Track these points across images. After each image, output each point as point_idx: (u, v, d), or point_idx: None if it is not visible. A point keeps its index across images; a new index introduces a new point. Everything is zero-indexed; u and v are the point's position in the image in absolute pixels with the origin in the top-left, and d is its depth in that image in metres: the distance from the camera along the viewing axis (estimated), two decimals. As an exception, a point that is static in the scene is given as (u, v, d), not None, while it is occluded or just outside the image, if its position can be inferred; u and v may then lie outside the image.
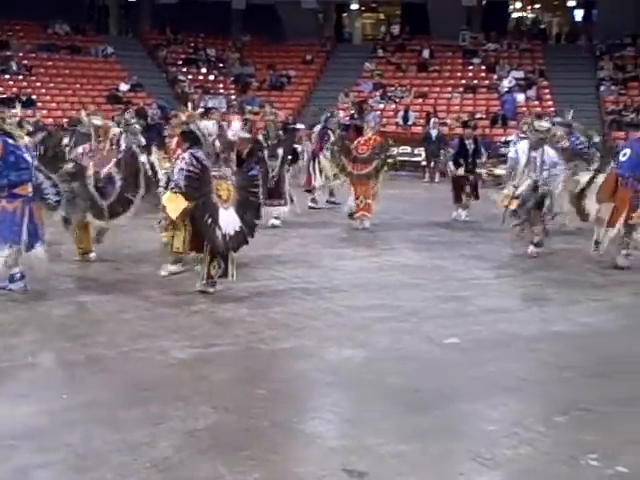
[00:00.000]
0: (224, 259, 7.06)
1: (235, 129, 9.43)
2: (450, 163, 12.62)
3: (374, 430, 4.25)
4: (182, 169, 7.02)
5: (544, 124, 9.71)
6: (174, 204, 7.10)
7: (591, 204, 9.26)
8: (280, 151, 11.27)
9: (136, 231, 9.32)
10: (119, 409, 4.43)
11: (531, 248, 9.32)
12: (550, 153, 9.35)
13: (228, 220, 6.96)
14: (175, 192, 7.05)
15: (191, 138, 7.43)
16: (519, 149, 9.63)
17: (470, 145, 12.47)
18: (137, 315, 6.40)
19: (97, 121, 8.80)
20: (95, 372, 5.06)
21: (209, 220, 6.84)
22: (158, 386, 4.80)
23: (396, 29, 31.26)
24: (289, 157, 11.59)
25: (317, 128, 14.27)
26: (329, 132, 13.54)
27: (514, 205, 9.25)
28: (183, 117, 10.25)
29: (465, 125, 14.49)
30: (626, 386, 5.06)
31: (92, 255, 8.47)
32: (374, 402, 4.67)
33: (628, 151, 8.74)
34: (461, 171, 12.21)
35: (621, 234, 8.75)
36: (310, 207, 13.08)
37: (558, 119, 13.83)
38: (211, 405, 4.50)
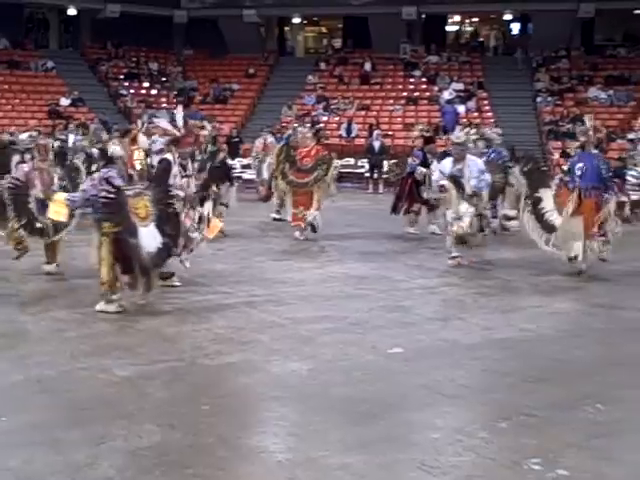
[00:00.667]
0: (147, 276, 7.08)
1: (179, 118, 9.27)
2: (422, 169, 11.95)
3: (320, 442, 4.26)
4: (85, 190, 7.14)
5: (460, 135, 9.79)
6: (60, 209, 7.31)
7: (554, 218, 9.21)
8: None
9: (78, 247, 9.16)
10: (60, 430, 4.34)
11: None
12: (475, 159, 9.53)
13: (149, 237, 6.98)
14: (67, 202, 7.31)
15: (105, 157, 7.50)
16: (443, 169, 9.52)
17: (430, 159, 12.14)
18: (79, 333, 6.30)
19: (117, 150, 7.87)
20: (36, 393, 4.96)
21: (132, 240, 6.86)
22: (100, 405, 4.73)
23: (338, 42, 31.51)
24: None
25: (278, 144, 14.26)
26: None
27: (463, 229, 9.14)
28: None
29: (429, 140, 14.13)
30: (566, 390, 5.16)
31: (50, 268, 8.48)
32: (320, 414, 4.67)
33: (582, 165, 9.04)
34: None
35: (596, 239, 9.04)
36: (275, 219, 13.20)
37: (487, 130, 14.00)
38: (155, 423, 4.45)
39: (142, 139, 12.92)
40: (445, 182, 9.26)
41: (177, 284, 7.93)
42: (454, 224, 9.17)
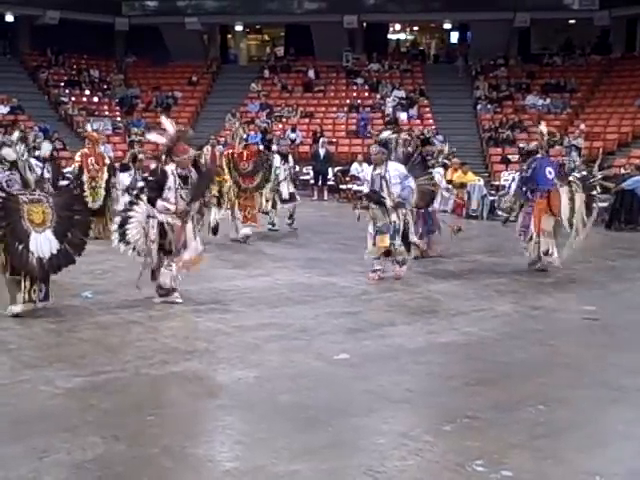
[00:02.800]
0: (44, 282, 7.16)
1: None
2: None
3: (267, 450, 4.25)
4: None
5: (383, 134, 9.41)
6: None
7: None
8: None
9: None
10: (1, 444, 4.25)
11: (397, 268, 9.05)
12: (395, 167, 8.90)
13: (42, 243, 6.99)
14: None
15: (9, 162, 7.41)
16: (365, 175, 9.23)
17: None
18: (19, 345, 6.17)
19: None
20: (-25, 407, 4.85)
21: (20, 246, 6.87)
22: (43, 418, 4.64)
23: (281, 50, 31.59)
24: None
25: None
26: (274, 156, 13.40)
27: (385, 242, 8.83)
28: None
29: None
30: (508, 392, 5.26)
31: None
32: (266, 422, 4.67)
33: (550, 169, 9.74)
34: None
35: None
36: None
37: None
38: (99, 435, 4.38)
39: (104, 147, 13.04)
40: (365, 195, 8.93)
41: (179, 301, 7.61)
42: (377, 237, 8.81)
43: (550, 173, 9.69)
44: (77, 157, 12.86)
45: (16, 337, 6.40)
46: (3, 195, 6.95)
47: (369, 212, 8.88)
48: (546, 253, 9.65)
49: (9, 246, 6.92)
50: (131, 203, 7.77)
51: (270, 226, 13.14)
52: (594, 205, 10.09)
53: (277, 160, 13.20)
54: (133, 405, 4.91)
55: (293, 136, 23.50)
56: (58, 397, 5.02)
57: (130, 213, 7.65)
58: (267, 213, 13.04)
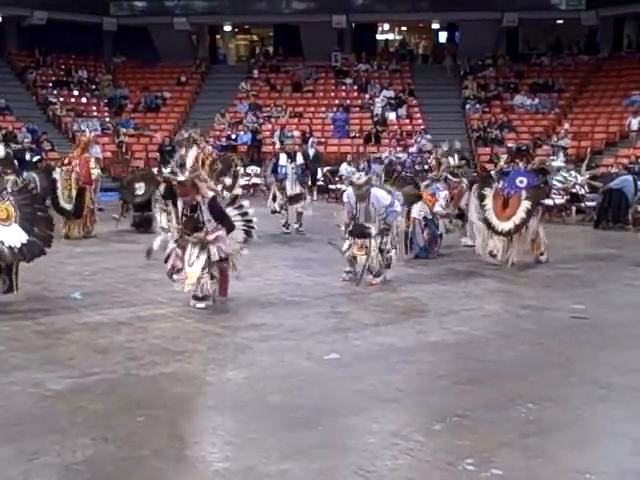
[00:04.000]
0: (8, 274, 7.44)
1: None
2: None
3: (257, 450, 4.25)
4: None
5: (360, 176, 9.00)
6: None
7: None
8: None
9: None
10: (-10, 446, 4.24)
11: (369, 277, 8.76)
12: (378, 195, 8.72)
13: (11, 234, 7.30)
14: None
15: None
16: (349, 196, 8.91)
17: None
18: (8, 347, 6.14)
19: None
20: (-36, 409, 4.83)
21: None
22: (32, 420, 4.62)
23: (270, 50, 31.56)
24: None
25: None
26: (280, 155, 13.40)
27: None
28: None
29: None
30: (498, 390, 5.28)
31: None
32: (256, 422, 4.67)
33: (523, 179, 10.20)
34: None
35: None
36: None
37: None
38: (89, 436, 4.37)
39: (95, 149, 13.07)
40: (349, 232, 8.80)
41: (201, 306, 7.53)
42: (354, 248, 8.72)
43: (522, 182, 10.09)
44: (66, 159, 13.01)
45: (4, 339, 6.37)
46: None
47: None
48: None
49: None
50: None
51: (284, 229, 13.01)
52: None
53: (283, 159, 13.10)
54: (123, 406, 4.90)
55: (297, 134, 23.16)
56: (48, 399, 5.00)
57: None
58: (274, 212, 13.00)
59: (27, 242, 7.41)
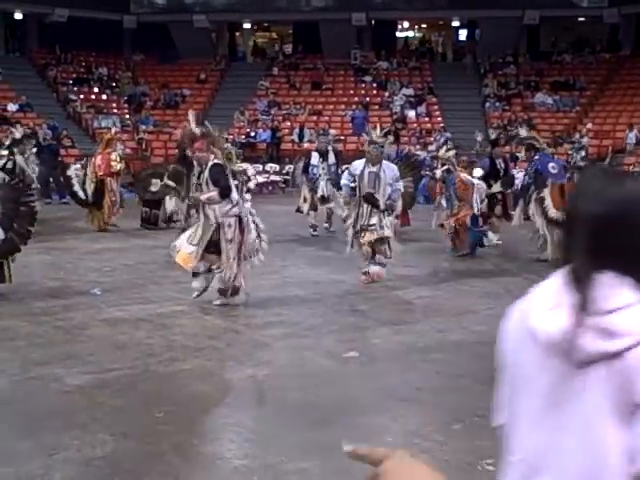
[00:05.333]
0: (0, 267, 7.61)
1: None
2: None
3: (276, 448, 4.24)
4: None
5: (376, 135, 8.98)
6: None
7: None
8: None
9: (29, 255, 9.00)
10: (12, 441, 4.26)
11: (373, 268, 8.59)
12: (391, 167, 8.76)
13: None
14: None
15: None
16: (353, 170, 8.73)
17: (500, 165, 11.48)
18: (29, 342, 6.18)
19: None
20: (-15, 404, 4.86)
21: None
22: (52, 415, 4.65)
23: (289, 48, 31.57)
24: None
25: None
26: (312, 154, 13.00)
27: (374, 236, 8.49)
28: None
29: (494, 144, 13.29)
30: (518, 391, 5.23)
31: None
32: (275, 420, 4.66)
33: (554, 164, 10.29)
34: (497, 187, 11.13)
35: None
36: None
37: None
38: (109, 432, 4.39)
39: (119, 145, 13.39)
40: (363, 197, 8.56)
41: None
42: (364, 234, 8.47)
43: (554, 168, 10.18)
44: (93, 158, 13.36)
45: (25, 334, 6.41)
46: None
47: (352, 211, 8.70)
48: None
49: None
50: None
51: (312, 230, 12.58)
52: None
53: (315, 158, 12.73)
54: (142, 402, 4.92)
55: (333, 132, 22.92)
56: (67, 394, 5.03)
57: None
58: (298, 211, 12.74)
59: (3, 240, 7.61)
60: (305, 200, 12.70)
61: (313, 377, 5.46)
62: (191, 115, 7.76)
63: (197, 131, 7.43)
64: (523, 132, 10.98)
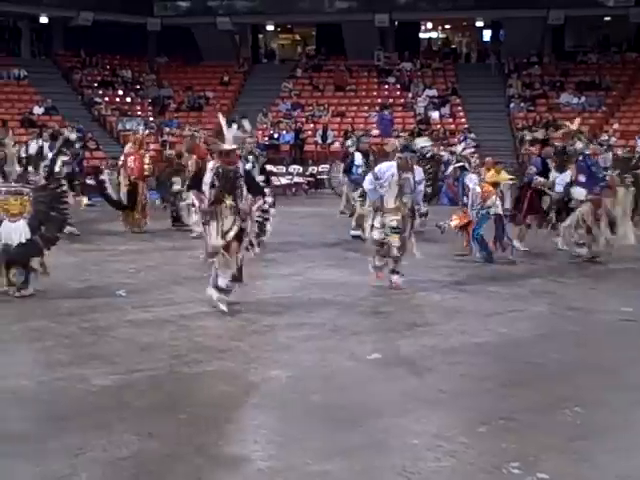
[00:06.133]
0: (24, 268, 7.74)
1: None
2: (540, 179, 11.19)
3: (300, 450, 4.25)
4: None
5: (423, 143, 9.17)
6: None
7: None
8: None
9: (55, 257, 9.08)
10: (38, 441, 4.30)
11: (394, 277, 8.49)
12: (419, 170, 8.64)
13: (12, 232, 7.67)
14: None
15: None
16: (383, 174, 8.41)
17: (551, 165, 11.38)
18: (56, 343, 6.23)
19: None
20: (13, 403, 4.91)
21: None
22: (78, 415, 4.68)
23: (312, 49, 31.61)
24: None
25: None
26: (355, 154, 12.54)
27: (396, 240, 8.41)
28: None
29: (545, 143, 13.21)
30: (543, 393, 5.20)
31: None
32: (299, 421, 4.67)
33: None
34: (559, 189, 10.84)
35: None
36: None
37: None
38: (134, 432, 4.41)
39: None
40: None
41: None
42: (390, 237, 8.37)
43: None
44: (122, 157, 13.44)
45: (52, 335, 6.46)
46: None
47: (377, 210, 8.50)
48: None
49: None
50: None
51: (357, 232, 11.80)
52: None
53: (358, 158, 12.40)
54: (167, 403, 4.94)
55: (375, 133, 22.85)
56: (93, 395, 5.06)
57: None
58: (343, 213, 12.49)
59: (26, 241, 7.72)
60: (348, 201, 12.46)
61: (337, 379, 5.46)
62: (228, 135, 7.55)
63: (232, 147, 7.37)
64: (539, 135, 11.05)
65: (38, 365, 5.67)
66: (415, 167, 8.62)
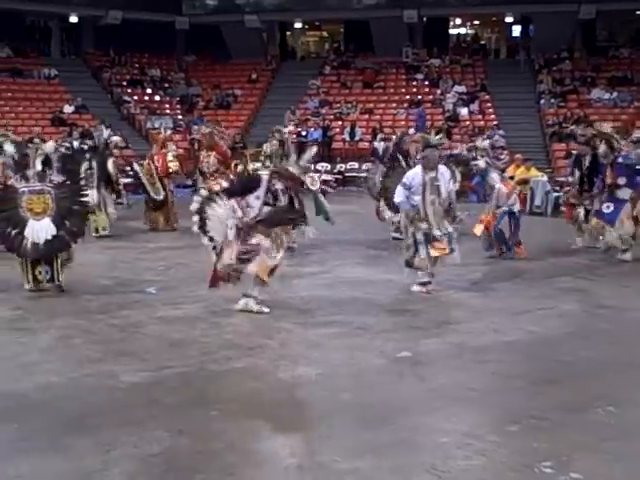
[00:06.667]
0: (49, 265, 7.95)
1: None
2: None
3: (329, 447, 4.24)
4: None
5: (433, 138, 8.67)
6: None
7: None
8: None
9: (84, 254, 9.17)
10: (69, 437, 4.34)
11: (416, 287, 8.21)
12: (443, 169, 8.29)
13: (39, 230, 7.87)
14: None
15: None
16: (412, 181, 8.13)
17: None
18: (86, 340, 6.29)
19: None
20: (45, 400, 4.96)
21: (13, 231, 7.87)
22: (109, 412, 4.72)
23: (340, 46, 31.56)
24: None
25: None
26: (398, 156, 11.92)
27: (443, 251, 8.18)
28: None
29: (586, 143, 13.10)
30: (574, 392, 5.15)
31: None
32: (328, 419, 4.66)
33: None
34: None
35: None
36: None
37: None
38: (165, 429, 4.44)
39: (171, 146, 13.67)
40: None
41: (265, 310, 7.14)
42: (433, 245, 8.09)
43: None
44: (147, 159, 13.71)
45: (81, 332, 6.52)
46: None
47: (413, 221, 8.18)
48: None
49: (3, 231, 7.88)
50: (209, 198, 7.34)
51: (395, 234, 11.38)
52: None
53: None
54: (197, 400, 4.95)
55: (411, 131, 22.62)
56: (123, 391, 5.10)
57: (208, 206, 7.29)
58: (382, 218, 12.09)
59: (52, 237, 7.90)
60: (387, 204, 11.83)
61: (366, 377, 5.45)
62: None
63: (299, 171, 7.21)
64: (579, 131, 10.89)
65: (68, 362, 5.72)
66: (441, 166, 8.31)
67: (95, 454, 4.10)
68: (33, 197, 8.00)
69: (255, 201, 7.11)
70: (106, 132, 15.49)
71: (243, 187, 7.44)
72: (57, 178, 8.34)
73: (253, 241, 7.10)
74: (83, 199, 8.37)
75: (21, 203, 7.94)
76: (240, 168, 12.50)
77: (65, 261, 8.23)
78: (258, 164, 12.11)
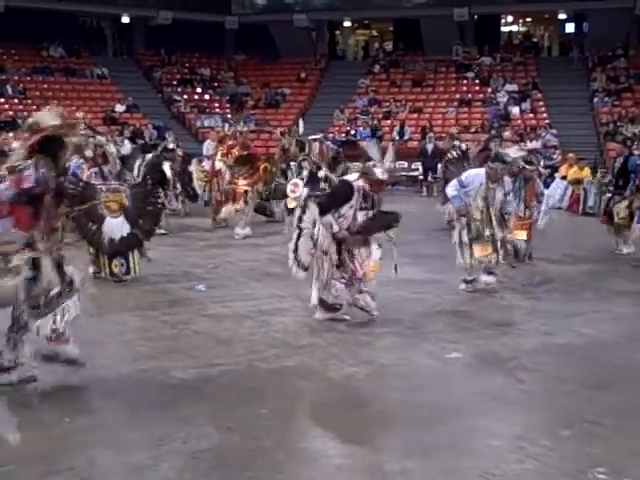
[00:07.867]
0: (125, 258, 8.39)
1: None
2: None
3: (378, 447, 4.22)
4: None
5: (515, 154, 8.65)
6: None
7: None
8: None
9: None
10: (121, 431, 4.39)
11: (485, 277, 8.18)
12: (508, 181, 8.27)
13: (114, 227, 8.25)
14: None
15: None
16: (471, 182, 8.03)
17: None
18: (137, 336, 6.36)
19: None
20: (97, 394, 5.03)
21: (93, 227, 8.19)
22: (160, 407, 4.76)
23: (389, 45, 31.45)
24: None
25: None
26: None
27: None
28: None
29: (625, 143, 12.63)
30: (629, 397, 5.03)
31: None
32: (378, 419, 4.64)
33: None
34: None
35: None
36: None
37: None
38: (214, 425, 4.46)
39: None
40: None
41: (347, 317, 6.86)
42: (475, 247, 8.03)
43: None
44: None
45: (134, 329, 6.60)
46: (81, 184, 8.22)
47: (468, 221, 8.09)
48: None
49: (83, 225, 8.07)
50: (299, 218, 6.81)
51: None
52: None
53: None
54: (246, 398, 4.97)
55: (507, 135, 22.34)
56: (174, 387, 5.14)
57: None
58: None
59: (127, 235, 8.32)
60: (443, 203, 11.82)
61: (415, 377, 5.41)
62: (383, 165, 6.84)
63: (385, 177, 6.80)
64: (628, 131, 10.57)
65: (120, 358, 5.78)
66: (506, 178, 8.20)
67: (146, 449, 4.13)
68: (110, 195, 8.38)
69: (349, 210, 6.72)
70: (172, 144, 15.72)
71: (338, 199, 6.85)
72: (131, 178, 8.82)
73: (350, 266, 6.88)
74: (156, 200, 8.85)
75: (100, 200, 8.29)
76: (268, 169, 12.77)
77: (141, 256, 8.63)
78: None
